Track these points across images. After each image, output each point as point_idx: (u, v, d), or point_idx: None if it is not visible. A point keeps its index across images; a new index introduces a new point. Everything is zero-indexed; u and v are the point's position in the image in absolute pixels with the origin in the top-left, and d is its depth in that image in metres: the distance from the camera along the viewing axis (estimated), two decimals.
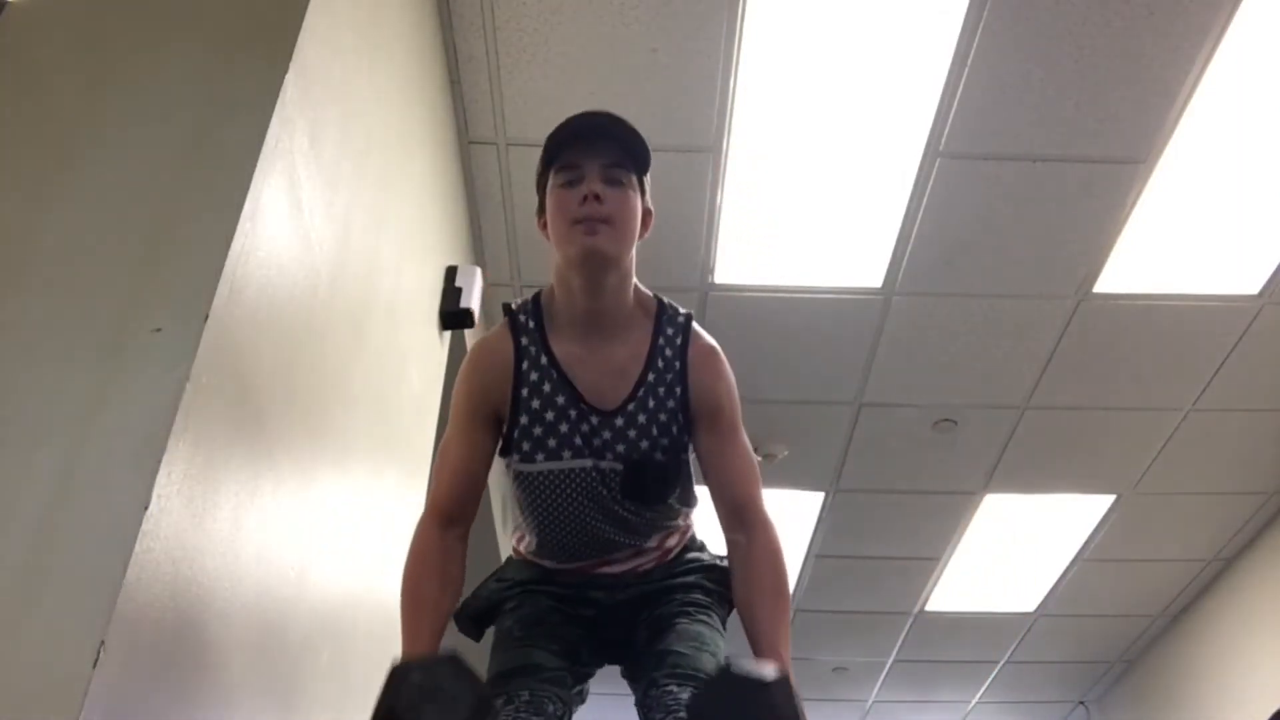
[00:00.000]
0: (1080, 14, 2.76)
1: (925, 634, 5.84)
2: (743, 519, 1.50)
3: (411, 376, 2.67)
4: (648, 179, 1.56)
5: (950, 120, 3.03)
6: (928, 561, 5.23)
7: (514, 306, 1.59)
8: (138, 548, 1.19)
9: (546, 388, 1.51)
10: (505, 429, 1.54)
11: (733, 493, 1.52)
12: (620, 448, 1.51)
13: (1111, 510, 4.79)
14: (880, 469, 4.58)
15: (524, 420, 1.52)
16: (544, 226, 1.55)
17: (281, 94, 1.59)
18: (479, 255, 3.52)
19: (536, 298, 1.58)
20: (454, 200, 3.14)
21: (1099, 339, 3.83)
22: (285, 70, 1.61)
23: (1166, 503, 4.73)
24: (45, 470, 1.24)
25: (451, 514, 1.51)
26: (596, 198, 1.45)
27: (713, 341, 1.59)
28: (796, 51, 2.87)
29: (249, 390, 1.54)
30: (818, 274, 3.60)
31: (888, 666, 6.23)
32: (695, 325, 1.59)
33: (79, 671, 1.11)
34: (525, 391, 1.52)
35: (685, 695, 1.41)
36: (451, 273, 3.06)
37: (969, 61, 2.87)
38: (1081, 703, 6.58)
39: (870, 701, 6.64)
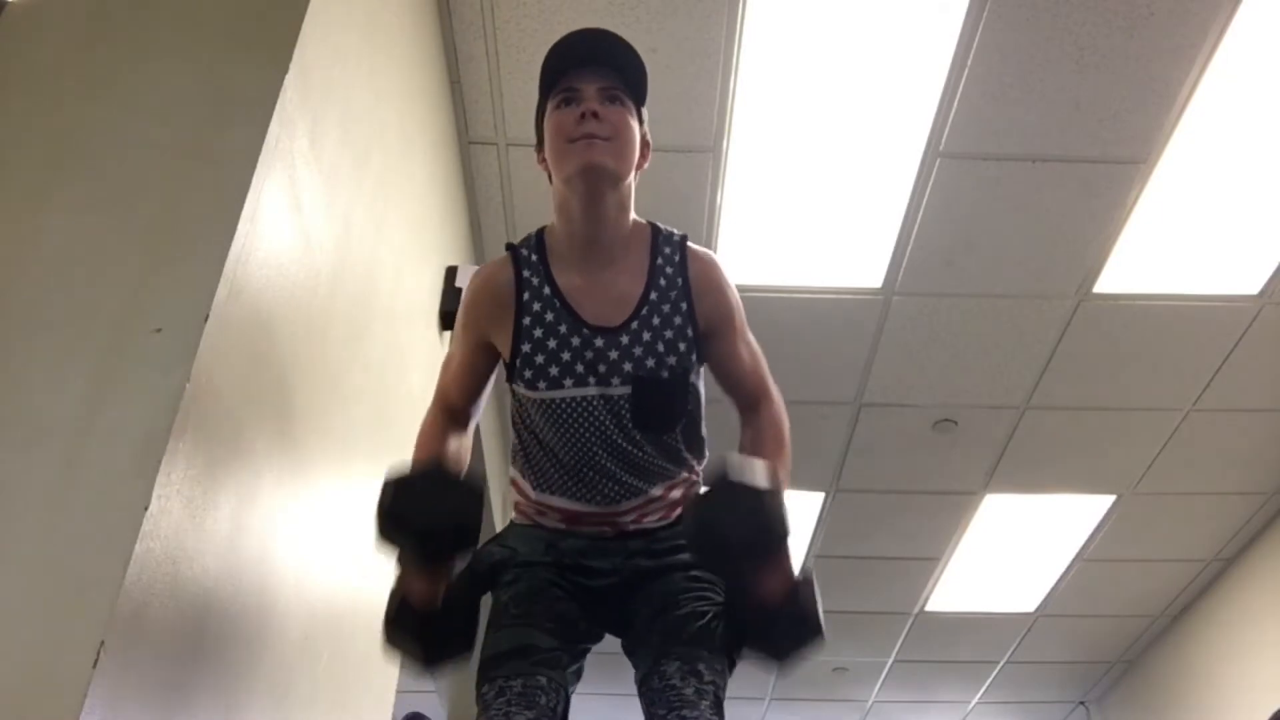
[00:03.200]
0: (1080, 14, 2.76)
1: (925, 634, 5.84)
2: (754, 400, 1.63)
3: (411, 376, 2.67)
4: (645, 111, 1.57)
5: (950, 120, 3.03)
6: (928, 561, 5.23)
7: (516, 242, 1.61)
8: (138, 548, 1.19)
9: (549, 316, 1.53)
10: (508, 357, 1.56)
11: (746, 385, 1.63)
12: (627, 366, 1.52)
13: (1111, 510, 4.79)
14: (880, 469, 4.58)
15: (526, 348, 1.53)
16: (543, 162, 1.56)
17: (281, 95, 1.59)
18: (479, 255, 3.52)
19: (540, 232, 1.61)
20: (454, 200, 3.14)
21: (1099, 339, 3.83)
22: (285, 71, 1.61)
23: (1166, 503, 4.73)
24: (45, 470, 1.24)
25: (455, 403, 1.63)
26: (595, 115, 1.46)
27: (709, 254, 1.63)
28: (796, 52, 2.87)
29: (249, 390, 1.54)
30: (818, 274, 3.60)
31: (888, 666, 6.23)
32: (691, 243, 1.61)
33: (79, 671, 1.11)
34: (528, 320, 1.54)
35: (689, 690, 1.41)
36: (451, 273, 3.07)
37: (969, 62, 2.87)
38: (1081, 703, 6.58)
39: (870, 701, 6.64)
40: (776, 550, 1.40)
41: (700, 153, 3.15)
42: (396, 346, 2.50)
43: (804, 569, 1.47)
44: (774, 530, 1.37)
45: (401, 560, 1.44)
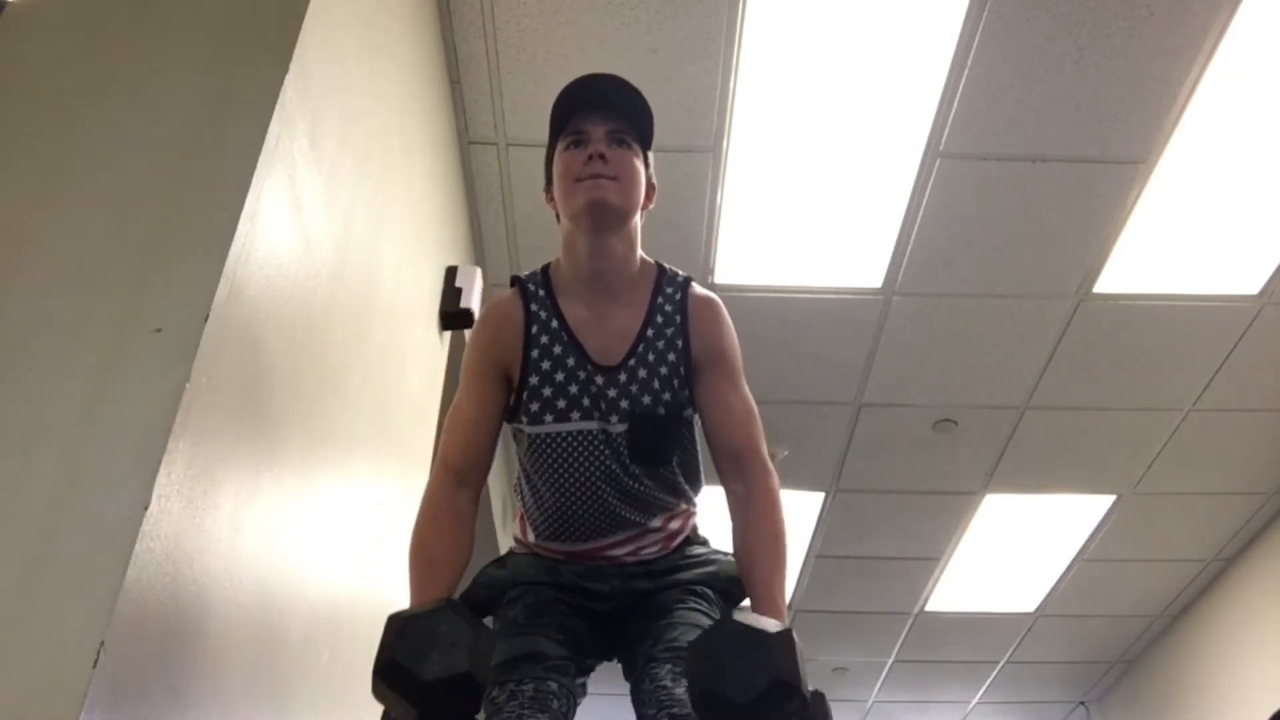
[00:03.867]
0: (1080, 14, 2.76)
1: (925, 634, 5.84)
2: (742, 465, 1.51)
3: (411, 376, 2.67)
4: (651, 154, 1.59)
5: (950, 120, 3.03)
6: (928, 561, 5.23)
7: (523, 276, 1.62)
8: (138, 548, 1.19)
9: (557, 349, 1.54)
10: (515, 391, 1.56)
11: (733, 438, 1.53)
12: (624, 403, 1.53)
13: (1111, 510, 4.79)
14: (880, 469, 4.58)
15: (534, 381, 1.54)
16: (551, 201, 1.59)
17: (281, 94, 1.59)
18: (479, 255, 3.52)
19: (545, 268, 1.62)
20: (454, 200, 3.14)
21: (1099, 339, 3.83)
22: (285, 71, 1.62)
23: (1166, 503, 4.73)
24: (45, 470, 1.24)
25: (463, 472, 1.53)
26: (602, 157, 1.50)
27: (711, 294, 1.62)
28: (796, 52, 2.87)
29: (249, 390, 1.54)
30: (818, 274, 3.60)
31: (888, 666, 6.23)
32: (694, 284, 1.62)
33: (79, 671, 1.11)
34: (536, 353, 1.55)
35: (680, 690, 1.41)
36: (451, 273, 3.07)
37: (969, 61, 2.87)
38: (1081, 703, 6.58)
39: (870, 701, 6.64)
40: (788, 704, 1.22)
41: (700, 153, 3.15)
42: (396, 346, 2.50)
43: (814, 693, 1.31)
44: (785, 685, 1.20)
45: (395, 711, 1.25)
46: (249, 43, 1.65)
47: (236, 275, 1.44)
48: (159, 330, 1.35)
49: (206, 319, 1.36)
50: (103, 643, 1.13)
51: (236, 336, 1.46)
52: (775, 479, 1.51)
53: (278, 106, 1.58)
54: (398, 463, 2.54)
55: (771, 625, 1.25)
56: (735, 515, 1.50)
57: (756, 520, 1.47)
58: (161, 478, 1.24)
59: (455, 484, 1.52)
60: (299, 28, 1.67)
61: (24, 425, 1.28)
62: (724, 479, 1.53)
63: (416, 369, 2.72)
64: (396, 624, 1.25)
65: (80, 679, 1.10)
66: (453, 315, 3.00)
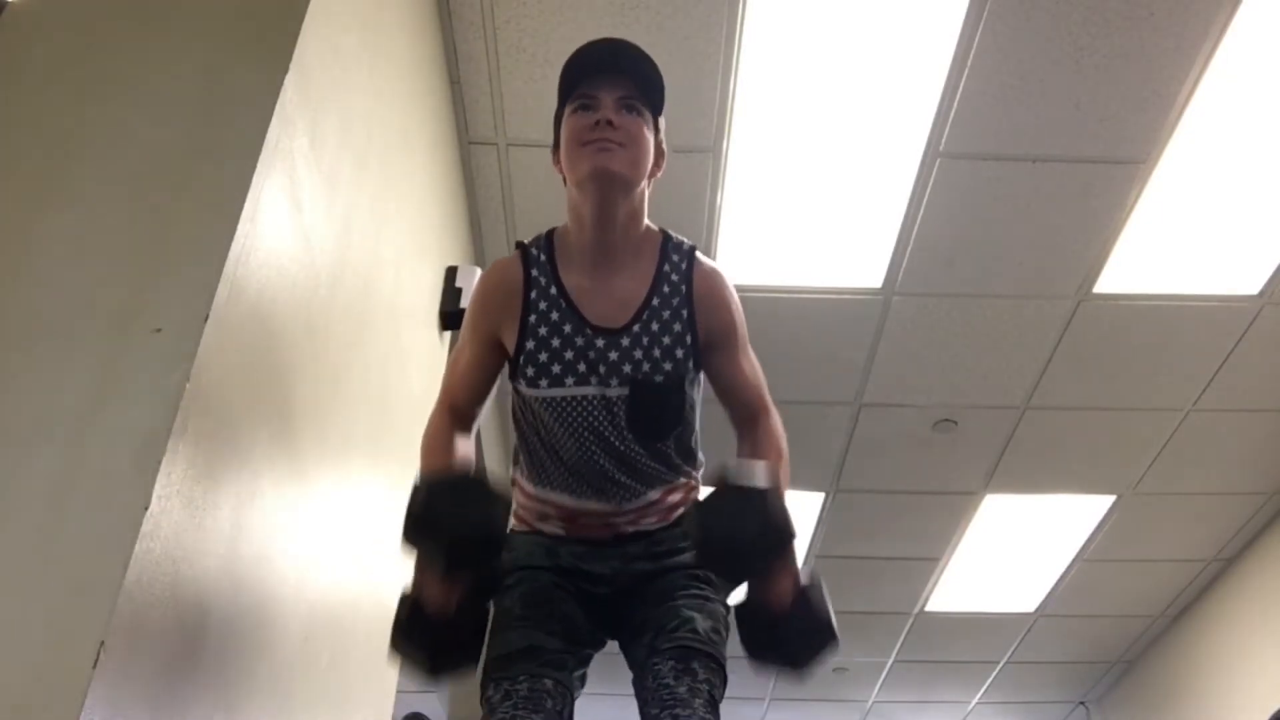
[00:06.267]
0: (1080, 14, 2.76)
1: (925, 634, 5.84)
2: (752, 414, 1.62)
3: (411, 376, 2.66)
4: (663, 120, 1.60)
5: (950, 120, 3.03)
6: (928, 561, 5.23)
7: (526, 241, 1.63)
8: (138, 548, 1.19)
9: (554, 315, 1.55)
10: (512, 353, 1.57)
11: (744, 396, 1.63)
12: (626, 368, 1.53)
13: (1111, 510, 4.79)
14: (880, 469, 4.58)
15: (530, 345, 1.55)
16: (558, 164, 1.58)
17: (281, 94, 1.59)
18: (479, 255, 3.52)
19: (550, 233, 1.62)
20: (454, 200, 3.14)
21: (1099, 339, 3.83)
22: (285, 70, 1.61)
23: (1166, 503, 4.73)
24: (45, 470, 1.24)
25: (461, 405, 1.63)
26: (610, 123, 1.49)
27: (716, 266, 1.64)
28: (796, 52, 2.87)
29: (249, 390, 1.54)
30: (818, 274, 3.60)
31: (888, 666, 6.23)
32: (699, 254, 1.62)
33: (79, 671, 1.11)
34: (533, 318, 1.55)
35: (683, 689, 1.41)
36: (451, 273, 3.07)
37: (969, 62, 2.87)
38: (1081, 703, 6.59)
39: (870, 701, 6.64)
40: (782, 551, 1.42)
41: (700, 153, 3.15)
42: (396, 346, 2.50)
43: (812, 573, 1.49)
44: (778, 530, 1.38)
45: (423, 565, 1.44)
46: (249, 43, 1.65)
47: (236, 275, 1.44)
48: (159, 330, 1.35)
49: (206, 319, 1.36)
50: (103, 643, 1.13)
51: (236, 336, 1.46)
52: (780, 422, 1.64)
53: (278, 106, 1.58)
54: (398, 463, 2.54)
55: (762, 481, 1.41)
56: (744, 442, 1.62)
57: (763, 438, 1.59)
58: (161, 478, 1.24)
59: (454, 413, 1.63)
60: (299, 28, 1.67)
61: (24, 425, 1.28)
62: (736, 424, 1.64)
63: (416, 369, 2.72)
64: (417, 489, 1.41)
65: (80, 679, 1.10)
66: (453, 315, 3.00)
